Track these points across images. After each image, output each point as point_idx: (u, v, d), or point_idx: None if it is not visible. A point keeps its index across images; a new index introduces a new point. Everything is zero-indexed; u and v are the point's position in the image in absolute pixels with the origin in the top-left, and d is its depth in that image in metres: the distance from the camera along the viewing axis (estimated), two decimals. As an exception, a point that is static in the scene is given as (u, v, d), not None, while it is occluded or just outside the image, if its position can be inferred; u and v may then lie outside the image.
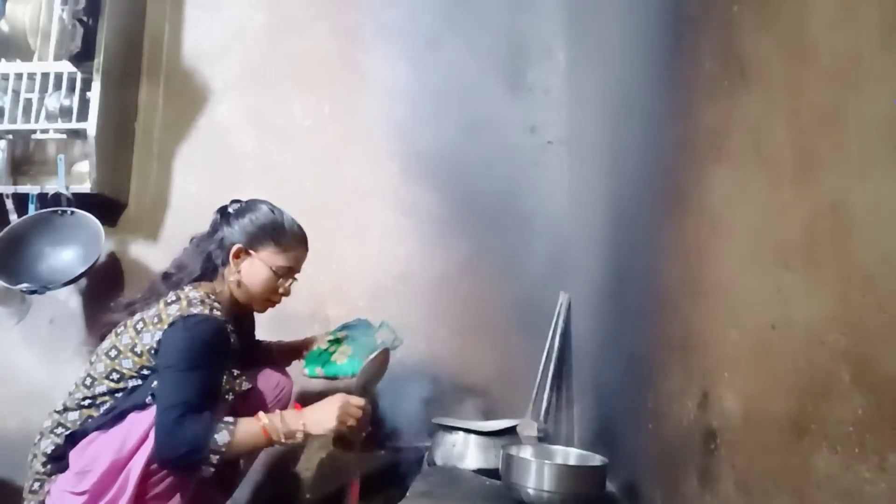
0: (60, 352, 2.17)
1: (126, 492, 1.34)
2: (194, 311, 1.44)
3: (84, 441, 1.39)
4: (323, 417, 1.41)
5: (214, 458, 1.31)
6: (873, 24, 0.63)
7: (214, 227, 1.64)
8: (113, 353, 1.47)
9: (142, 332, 1.46)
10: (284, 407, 1.73)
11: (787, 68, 0.79)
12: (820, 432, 0.70)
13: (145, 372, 1.45)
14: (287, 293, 1.66)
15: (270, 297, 1.63)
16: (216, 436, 1.32)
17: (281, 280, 1.62)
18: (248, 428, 1.37)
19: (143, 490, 1.35)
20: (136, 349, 1.45)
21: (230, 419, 1.36)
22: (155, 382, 1.40)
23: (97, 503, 1.35)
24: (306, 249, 1.67)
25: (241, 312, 1.68)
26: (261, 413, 1.40)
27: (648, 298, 1.35)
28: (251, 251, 1.58)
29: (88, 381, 1.47)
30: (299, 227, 1.66)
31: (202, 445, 1.31)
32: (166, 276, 1.61)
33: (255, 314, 1.81)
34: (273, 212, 1.63)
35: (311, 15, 2.40)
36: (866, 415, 0.63)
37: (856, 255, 0.66)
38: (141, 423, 1.37)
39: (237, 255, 1.57)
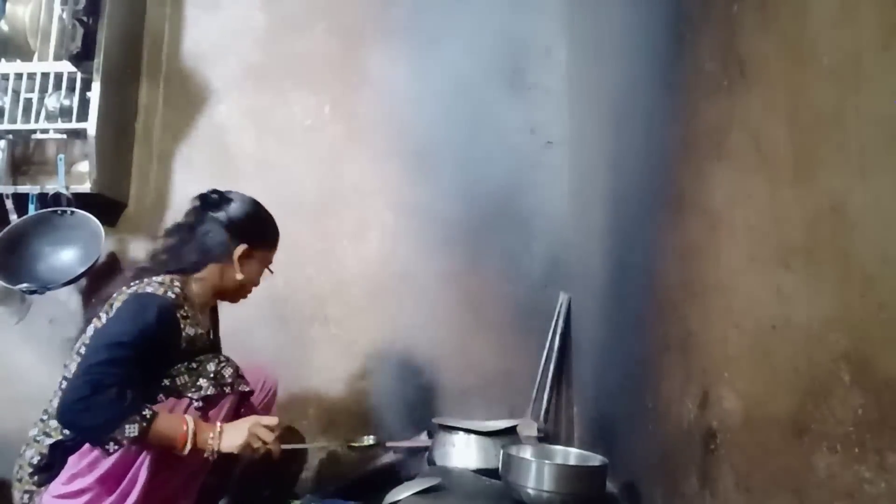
0: (60, 352, 2.16)
1: (134, 490, 1.33)
2: (149, 289, 1.42)
3: (85, 447, 1.35)
4: (234, 436, 1.38)
5: (112, 447, 1.26)
6: (873, 24, 0.63)
7: (197, 218, 1.58)
8: (83, 350, 1.42)
9: (102, 318, 1.43)
10: (270, 408, 1.73)
11: (787, 68, 0.79)
12: (820, 432, 0.70)
13: None
14: (258, 283, 1.67)
15: (250, 290, 1.65)
16: (126, 426, 1.25)
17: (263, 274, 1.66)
18: (167, 428, 1.31)
19: (151, 487, 1.34)
20: None
21: (149, 412, 1.28)
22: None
23: (100, 501, 1.34)
24: None
25: (213, 306, 1.68)
26: (188, 417, 1.35)
27: (648, 298, 1.35)
28: (254, 252, 1.58)
29: (65, 385, 1.41)
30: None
31: (108, 430, 1.25)
32: (144, 270, 1.55)
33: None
34: (268, 212, 1.64)
35: (311, 15, 2.40)
36: (866, 415, 0.63)
37: (856, 255, 0.66)
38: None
39: (242, 256, 1.56)
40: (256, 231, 1.59)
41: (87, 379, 1.26)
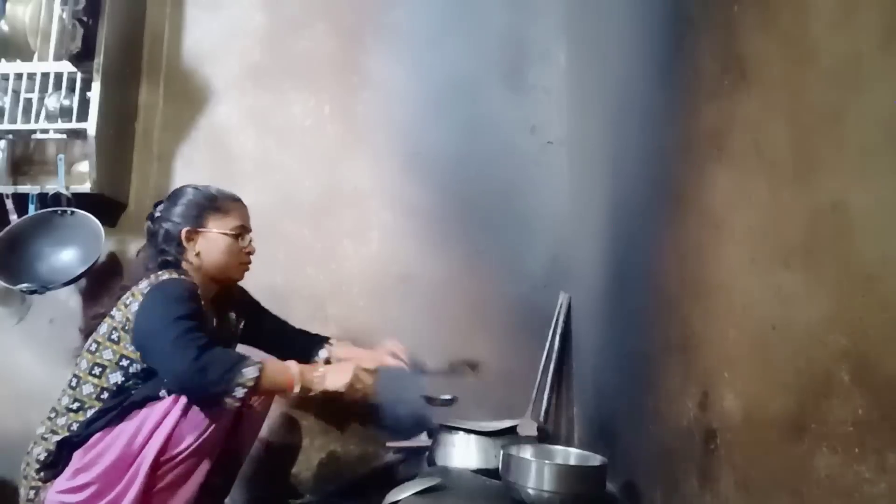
0: (60, 352, 2.16)
1: (135, 484, 1.35)
2: (164, 276, 1.51)
3: (89, 442, 1.39)
4: (339, 376, 1.49)
5: (241, 392, 1.33)
6: (873, 24, 0.63)
7: (151, 232, 1.67)
8: (93, 346, 1.50)
9: (115, 315, 1.49)
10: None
11: (787, 68, 0.80)
12: (820, 432, 0.70)
13: (124, 362, 1.47)
14: (252, 251, 1.69)
15: (239, 259, 1.67)
16: (244, 369, 1.34)
17: (240, 240, 1.66)
18: (278, 370, 1.42)
19: (151, 483, 1.37)
20: (112, 336, 1.48)
21: (257, 359, 1.39)
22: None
23: (104, 496, 1.36)
24: (244, 205, 1.72)
25: (220, 298, 1.71)
26: (291, 362, 1.46)
27: (648, 298, 1.35)
28: (199, 229, 1.62)
29: (74, 382, 1.49)
30: (226, 190, 1.72)
31: (232, 376, 1.33)
32: (125, 288, 1.60)
33: (237, 304, 1.81)
34: (198, 188, 1.68)
35: (311, 15, 2.40)
36: (866, 415, 0.63)
37: (856, 255, 0.66)
38: (153, 416, 1.39)
39: (189, 238, 1.61)
40: (192, 208, 1.63)
41: (184, 351, 1.32)
